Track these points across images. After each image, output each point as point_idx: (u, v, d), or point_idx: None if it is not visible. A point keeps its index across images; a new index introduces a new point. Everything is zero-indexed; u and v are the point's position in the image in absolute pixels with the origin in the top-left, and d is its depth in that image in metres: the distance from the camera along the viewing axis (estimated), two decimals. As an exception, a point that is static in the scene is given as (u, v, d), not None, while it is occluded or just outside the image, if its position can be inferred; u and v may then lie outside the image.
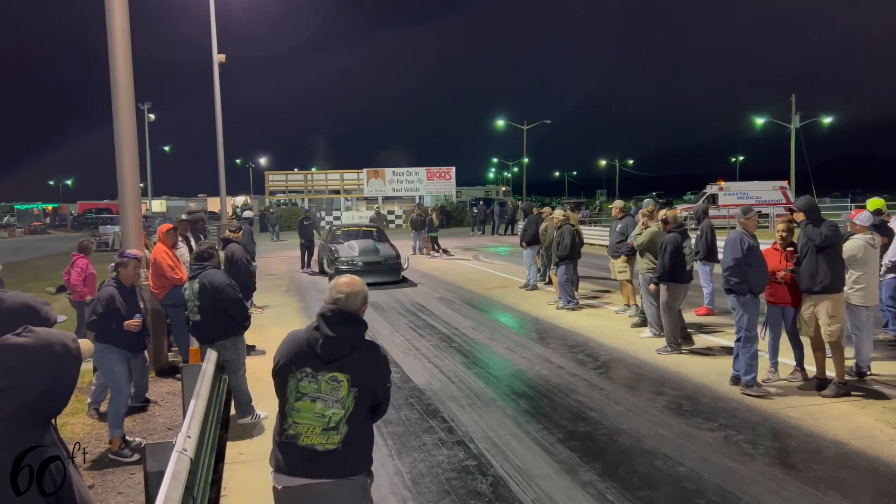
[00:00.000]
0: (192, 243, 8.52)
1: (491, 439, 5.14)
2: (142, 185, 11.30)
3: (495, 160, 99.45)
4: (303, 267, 17.31)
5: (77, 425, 5.84)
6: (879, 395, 5.94)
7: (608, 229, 13.52)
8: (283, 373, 2.65)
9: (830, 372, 6.08)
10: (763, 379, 6.21)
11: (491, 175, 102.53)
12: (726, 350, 7.53)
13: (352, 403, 2.59)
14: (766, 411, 5.61)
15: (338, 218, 36.75)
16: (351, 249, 14.49)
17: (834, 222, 6.02)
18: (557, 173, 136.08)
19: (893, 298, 7.71)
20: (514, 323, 10.05)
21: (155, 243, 7.87)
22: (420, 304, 11.64)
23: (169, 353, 7.87)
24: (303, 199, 39.26)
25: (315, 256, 17.14)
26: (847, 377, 6.07)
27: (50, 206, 64.53)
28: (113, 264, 5.80)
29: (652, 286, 8.04)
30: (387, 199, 39.11)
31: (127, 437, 5.27)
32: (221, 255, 7.41)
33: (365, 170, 38.73)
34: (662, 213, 8.08)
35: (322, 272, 15.84)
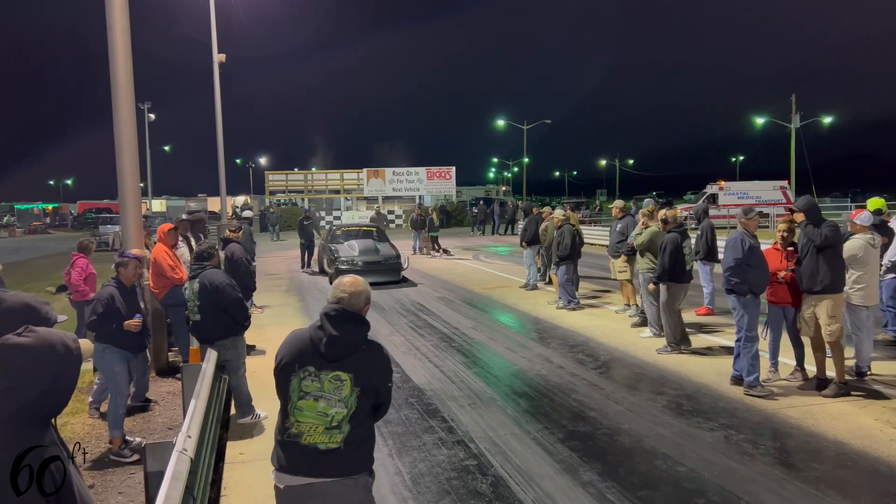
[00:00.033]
0: (193, 243, 8.52)
1: (491, 439, 5.14)
2: (142, 184, 11.31)
3: (495, 160, 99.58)
4: (303, 267, 17.32)
5: (77, 425, 5.84)
6: (879, 395, 5.94)
7: (608, 229, 13.53)
8: (285, 371, 2.65)
9: (830, 372, 6.08)
10: (763, 379, 6.20)
11: (491, 175, 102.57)
12: (726, 350, 7.53)
13: (354, 402, 2.60)
14: (766, 411, 5.61)
15: (338, 218, 36.75)
16: (351, 249, 14.49)
17: (834, 222, 6.02)
18: (557, 173, 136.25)
19: (894, 299, 7.71)
20: (515, 323, 10.05)
21: (155, 243, 7.87)
22: (420, 304, 11.64)
23: (169, 353, 7.87)
24: (303, 199, 39.25)
25: (315, 256, 17.15)
26: (847, 377, 6.07)
27: (50, 206, 64.54)
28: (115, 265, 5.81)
29: (651, 286, 8.04)
30: (387, 198, 39.10)
31: (127, 437, 5.27)
32: (221, 254, 7.40)
33: (365, 169, 38.72)
34: (662, 212, 8.08)
35: (322, 272, 15.84)
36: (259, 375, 6.33)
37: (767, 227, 26.31)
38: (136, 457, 4.99)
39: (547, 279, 13.13)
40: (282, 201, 39.91)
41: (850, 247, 6.19)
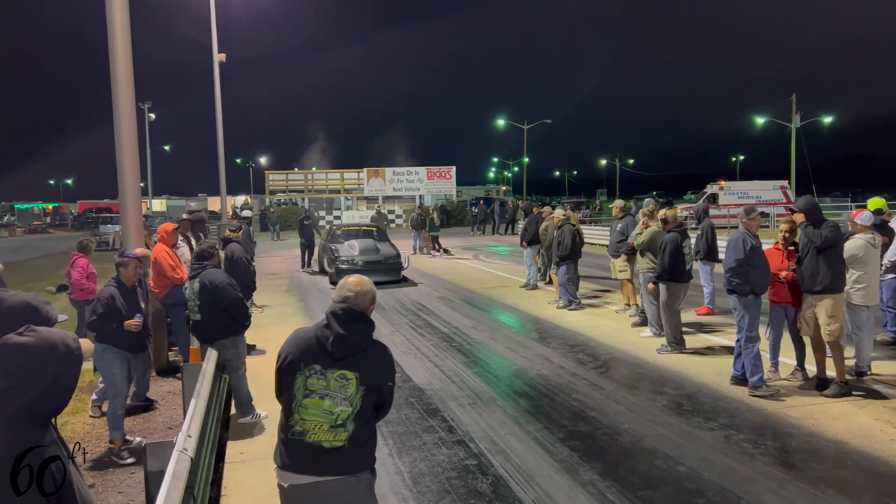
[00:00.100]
0: (193, 243, 8.52)
1: (491, 439, 5.14)
2: (142, 184, 11.30)
3: (496, 160, 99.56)
4: (303, 266, 17.32)
5: (78, 424, 5.85)
6: (879, 395, 5.94)
7: (608, 229, 13.53)
8: (290, 370, 2.66)
9: (831, 372, 6.08)
10: (764, 378, 6.20)
11: (491, 174, 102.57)
12: (727, 349, 7.53)
13: (359, 401, 2.61)
14: (766, 411, 5.61)
15: (338, 217, 36.75)
16: (351, 249, 14.50)
17: (835, 222, 6.01)
18: (558, 173, 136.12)
19: (894, 299, 7.70)
20: (515, 322, 10.05)
21: (156, 242, 7.87)
22: (420, 304, 11.64)
23: (169, 353, 7.88)
24: (303, 199, 39.26)
25: (315, 256, 17.15)
26: (847, 377, 6.07)
27: (50, 206, 64.55)
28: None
29: (651, 285, 8.04)
30: (387, 198, 39.10)
31: (127, 437, 5.27)
32: (221, 254, 7.41)
33: (365, 169, 38.70)
34: (662, 212, 8.09)
35: (322, 272, 15.84)
36: (259, 375, 6.34)
37: (768, 226, 26.30)
38: (131, 459, 4.98)
39: (547, 279, 13.13)
40: (282, 201, 39.91)
41: (851, 246, 6.18)
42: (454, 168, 38.94)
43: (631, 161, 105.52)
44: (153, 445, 3.03)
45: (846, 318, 6.34)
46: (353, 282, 2.78)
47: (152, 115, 42.26)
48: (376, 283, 2.91)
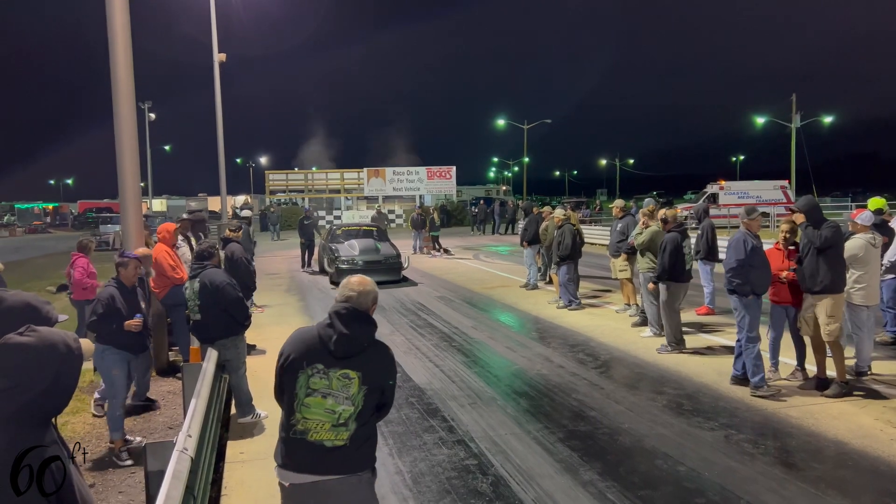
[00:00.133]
0: (193, 242, 8.52)
1: (491, 438, 5.14)
2: (142, 184, 11.29)
3: (496, 159, 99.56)
4: (303, 266, 17.33)
5: (78, 424, 5.85)
6: (880, 395, 5.94)
7: (609, 229, 13.53)
8: (293, 368, 2.66)
9: (831, 372, 6.08)
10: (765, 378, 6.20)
11: (491, 174, 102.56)
12: (727, 349, 7.53)
13: (361, 401, 2.63)
14: (766, 411, 5.61)
15: (338, 217, 36.76)
16: (351, 248, 14.50)
17: (835, 222, 6.01)
18: (558, 173, 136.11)
19: (894, 300, 7.70)
20: (515, 322, 10.05)
21: (156, 242, 7.87)
22: (420, 304, 11.64)
23: (170, 353, 7.88)
24: (303, 199, 39.27)
25: (315, 256, 17.15)
26: (847, 377, 6.06)
27: (50, 206, 64.51)
28: None
29: (651, 285, 8.04)
30: (387, 198, 39.11)
31: (128, 437, 5.27)
32: (221, 254, 7.41)
33: (365, 169, 38.71)
34: (662, 212, 8.09)
35: (322, 271, 15.84)
36: (259, 375, 6.34)
37: (768, 226, 26.30)
38: (130, 461, 4.98)
39: (547, 279, 13.13)
40: (282, 201, 39.92)
41: (851, 246, 6.19)
42: (454, 168, 38.95)
43: (631, 161, 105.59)
44: (153, 445, 3.04)
45: (846, 317, 6.34)
46: (356, 281, 2.79)
47: (152, 115, 42.28)
48: (376, 283, 2.92)
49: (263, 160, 69.13)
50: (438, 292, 13.02)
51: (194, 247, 7.46)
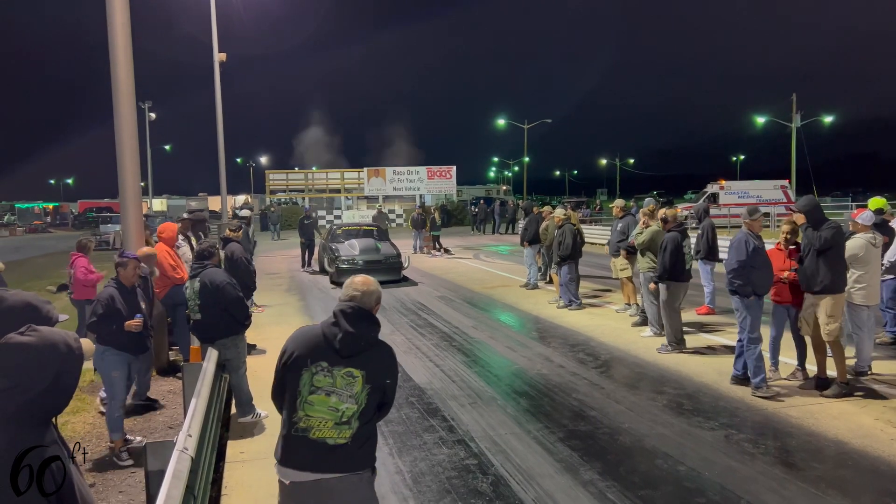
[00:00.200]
0: (193, 242, 8.52)
1: (492, 438, 5.14)
2: (142, 183, 11.29)
3: (496, 159, 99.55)
4: (303, 266, 17.33)
5: (78, 424, 5.85)
6: (880, 395, 5.94)
7: (609, 228, 13.52)
8: (296, 366, 2.67)
9: (831, 372, 6.08)
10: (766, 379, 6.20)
11: (492, 174, 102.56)
12: (727, 349, 7.53)
13: (364, 399, 2.64)
14: (766, 410, 5.61)
15: (338, 217, 36.76)
16: (352, 248, 14.50)
17: (836, 222, 6.00)
18: (558, 172, 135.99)
19: (894, 300, 7.70)
20: (515, 322, 10.05)
21: (156, 242, 7.87)
22: (421, 303, 11.64)
23: (170, 352, 7.88)
24: (303, 198, 39.27)
25: (316, 255, 17.15)
26: (847, 377, 6.06)
27: (51, 205, 64.49)
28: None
29: (652, 285, 8.04)
30: (387, 198, 39.12)
31: (128, 437, 5.27)
32: (221, 254, 7.41)
33: (365, 169, 38.72)
34: (662, 211, 8.09)
35: (323, 271, 15.84)
36: (259, 374, 6.34)
37: (768, 226, 26.30)
38: (130, 462, 4.98)
39: (548, 278, 13.13)
40: (282, 200, 39.91)
41: (852, 246, 6.18)
42: (454, 168, 38.95)
43: (631, 161, 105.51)
44: (154, 445, 3.04)
45: (846, 317, 6.34)
46: (360, 281, 2.82)
47: (153, 115, 42.30)
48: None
49: (263, 160, 69.16)
50: (439, 292, 13.02)
51: (195, 246, 7.46)
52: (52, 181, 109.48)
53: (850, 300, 6.26)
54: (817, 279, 5.89)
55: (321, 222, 30.44)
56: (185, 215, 10.46)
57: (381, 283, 3.08)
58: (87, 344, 2.09)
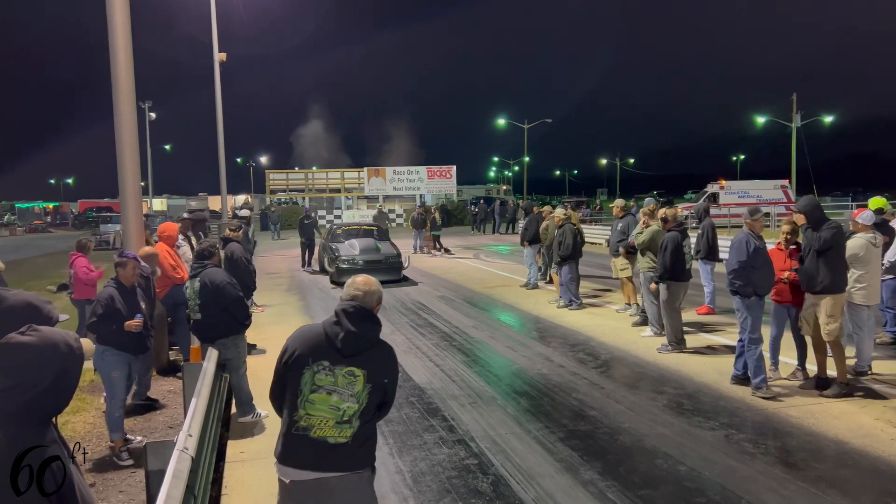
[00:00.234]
0: (194, 242, 8.52)
1: (492, 438, 5.14)
2: (143, 183, 11.29)
3: (496, 159, 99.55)
4: (303, 266, 17.33)
5: (78, 424, 5.85)
6: (880, 395, 5.94)
7: (609, 228, 13.52)
8: (298, 365, 2.68)
9: (831, 372, 6.08)
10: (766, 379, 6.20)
11: (492, 174, 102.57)
12: (728, 349, 7.53)
13: (365, 398, 2.65)
14: (766, 410, 5.61)
15: (338, 217, 36.76)
16: (352, 248, 14.50)
17: (836, 223, 5.99)
18: (558, 172, 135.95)
19: (894, 300, 7.69)
20: (515, 322, 10.05)
21: (157, 242, 7.87)
22: (421, 303, 11.64)
23: (170, 352, 7.88)
24: (303, 198, 39.28)
25: (316, 255, 17.16)
26: (848, 377, 6.06)
27: (51, 205, 64.44)
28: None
29: (652, 285, 8.04)
30: (387, 197, 39.12)
31: (128, 437, 5.27)
32: (221, 254, 7.41)
33: (366, 168, 38.74)
34: (662, 211, 8.09)
35: (323, 271, 15.84)
36: (260, 374, 6.33)
37: (769, 226, 26.29)
38: (130, 461, 4.98)
39: (548, 278, 13.13)
40: (282, 200, 39.91)
41: (852, 246, 6.18)
42: (454, 167, 38.96)
43: (631, 160, 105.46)
44: (154, 445, 3.04)
45: (847, 317, 6.34)
46: (361, 281, 2.84)
47: (153, 115, 42.31)
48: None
49: (264, 159, 69.17)
50: (439, 292, 13.02)
51: (195, 246, 7.46)
52: (53, 181, 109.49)
53: (851, 300, 6.25)
54: (817, 279, 5.88)
55: (321, 222, 30.43)
56: (185, 215, 10.46)
57: (382, 282, 3.09)
58: (87, 344, 2.09)
